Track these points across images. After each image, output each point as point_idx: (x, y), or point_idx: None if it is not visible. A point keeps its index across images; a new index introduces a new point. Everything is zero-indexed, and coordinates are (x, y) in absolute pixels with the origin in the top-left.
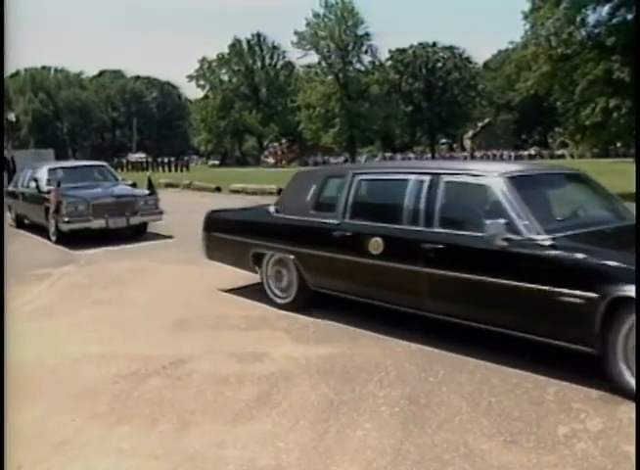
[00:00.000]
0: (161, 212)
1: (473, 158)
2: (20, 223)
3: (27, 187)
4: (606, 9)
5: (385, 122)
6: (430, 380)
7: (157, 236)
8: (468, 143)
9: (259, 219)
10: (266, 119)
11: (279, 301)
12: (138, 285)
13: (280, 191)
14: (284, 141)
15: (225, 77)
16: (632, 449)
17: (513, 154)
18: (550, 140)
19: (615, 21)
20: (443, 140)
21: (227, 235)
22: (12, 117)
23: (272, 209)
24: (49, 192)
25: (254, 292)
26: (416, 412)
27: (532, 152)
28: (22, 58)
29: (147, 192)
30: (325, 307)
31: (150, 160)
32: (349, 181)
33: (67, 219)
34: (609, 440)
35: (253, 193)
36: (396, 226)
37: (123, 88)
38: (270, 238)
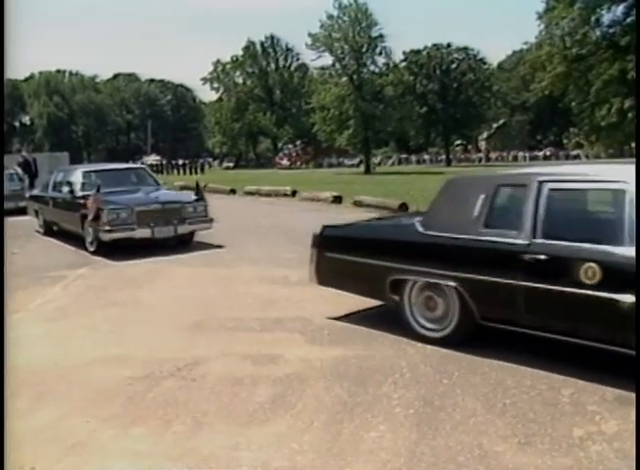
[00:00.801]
0: (211, 220)
1: (488, 159)
2: (48, 230)
3: (59, 191)
4: (620, 8)
5: (399, 124)
6: (444, 382)
7: (204, 245)
8: (483, 144)
9: (400, 237)
10: (280, 121)
11: (429, 334)
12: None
13: (295, 193)
14: (298, 143)
15: (239, 80)
16: None
17: (528, 154)
18: (565, 141)
19: (629, 20)
20: (458, 141)
21: (352, 256)
22: (26, 119)
23: (417, 224)
24: (84, 197)
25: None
26: (430, 414)
27: (548, 153)
28: (36, 61)
29: (194, 197)
30: (338, 307)
31: (164, 162)
32: (536, 191)
33: (108, 228)
34: (624, 442)
35: (268, 195)
36: (616, 250)
37: (138, 91)
38: (418, 260)
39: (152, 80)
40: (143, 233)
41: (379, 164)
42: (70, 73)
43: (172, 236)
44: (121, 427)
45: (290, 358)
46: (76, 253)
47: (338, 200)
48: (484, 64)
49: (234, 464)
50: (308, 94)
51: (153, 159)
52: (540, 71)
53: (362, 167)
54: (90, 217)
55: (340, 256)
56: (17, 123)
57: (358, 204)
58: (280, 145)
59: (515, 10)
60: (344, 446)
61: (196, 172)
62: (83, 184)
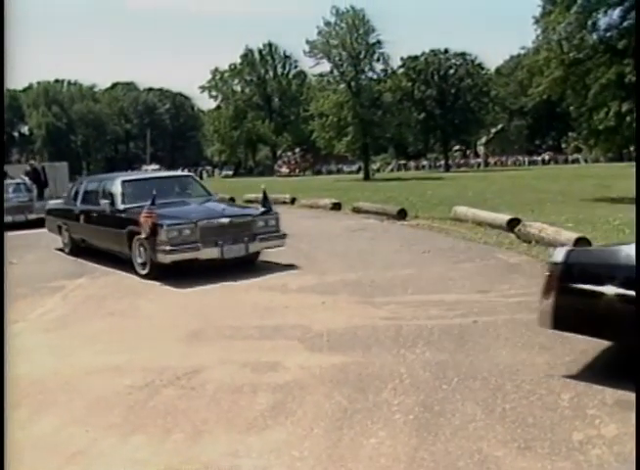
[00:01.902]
0: (284, 236)
1: (487, 164)
2: (74, 248)
3: (92, 204)
4: (617, 12)
5: (398, 130)
6: (443, 387)
7: (273, 265)
8: (481, 149)
9: None
10: (279, 129)
11: None
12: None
13: (294, 200)
14: (297, 150)
15: (237, 88)
16: None
17: (527, 159)
18: (564, 145)
19: (626, 24)
20: (457, 147)
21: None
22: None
23: None
24: (129, 211)
25: None
26: (430, 420)
27: (546, 157)
28: (34, 71)
29: (262, 209)
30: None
31: (164, 170)
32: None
33: (168, 248)
34: (624, 445)
35: None
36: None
37: (136, 100)
38: None
39: (150, 89)
40: (210, 253)
41: (378, 170)
42: (69, 83)
43: (244, 255)
44: (122, 436)
45: (290, 366)
46: (123, 278)
47: (337, 206)
48: (482, 69)
49: None
50: (307, 101)
51: (152, 167)
52: (538, 76)
53: (361, 174)
54: (143, 235)
55: (600, 293)
56: (15, 134)
57: (357, 210)
58: (279, 152)
59: (512, 15)
60: (344, 452)
61: None
62: (124, 195)
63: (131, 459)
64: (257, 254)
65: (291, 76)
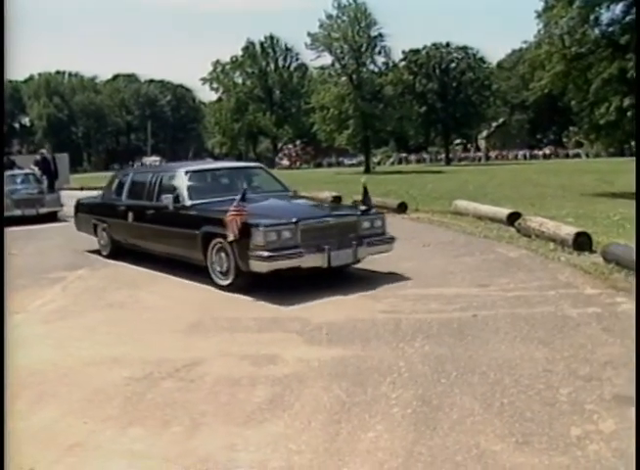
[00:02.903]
0: (393, 240)
1: (488, 158)
2: (115, 250)
3: (147, 199)
4: (619, 7)
5: (399, 123)
6: (442, 381)
7: (381, 276)
8: (482, 143)
9: None
10: (280, 121)
11: None
12: None
13: (294, 193)
14: (298, 143)
15: (239, 80)
16: None
17: (528, 153)
18: (565, 139)
19: (628, 18)
20: (458, 140)
21: None
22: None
23: None
24: (193, 207)
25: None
26: (428, 414)
27: (547, 151)
28: (36, 62)
29: (363, 208)
30: (334, 306)
31: (165, 162)
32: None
33: (266, 254)
34: (621, 441)
35: None
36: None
37: (137, 92)
38: None
39: (151, 81)
40: (314, 260)
41: (378, 163)
42: (70, 74)
43: (351, 262)
44: (120, 428)
45: (288, 359)
46: (199, 290)
47: (337, 199)
48: (484, 63)
49: (231, 465)
50: (308, 94)
51: (153, 159)
52: (539, 70)
53: (362, 167)
54: (230, 238)
55: None
56: (16, 125)
57: (358, 203)
58: (280, 145)
59: (514, 9)
60: (342, 446)
61: None
62: (191, 189)
63: (129, 451)
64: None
65: (292, 69)
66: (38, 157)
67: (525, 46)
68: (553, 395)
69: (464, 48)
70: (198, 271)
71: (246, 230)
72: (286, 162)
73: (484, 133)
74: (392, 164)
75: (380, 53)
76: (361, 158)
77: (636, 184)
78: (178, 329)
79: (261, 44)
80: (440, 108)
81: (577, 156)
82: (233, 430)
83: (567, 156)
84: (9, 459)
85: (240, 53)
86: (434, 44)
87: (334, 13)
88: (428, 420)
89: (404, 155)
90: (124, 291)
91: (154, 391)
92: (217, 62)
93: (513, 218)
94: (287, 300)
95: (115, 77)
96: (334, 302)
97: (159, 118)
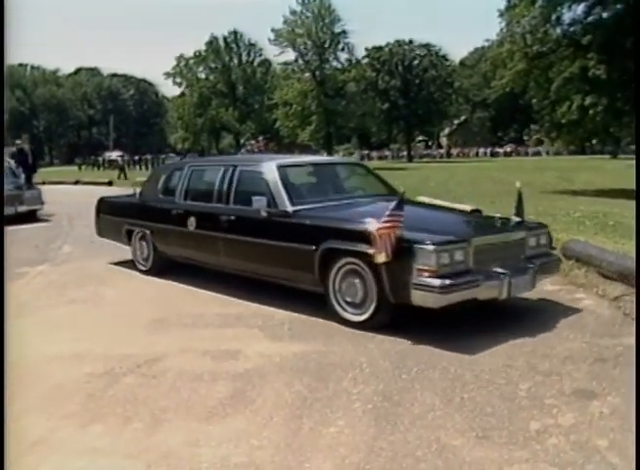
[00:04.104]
0: (560, 261)
1: (449, 155)
2: (159, 265)
3: (218, 202)
4: (581, 7)
5: (361, 120)
6: (403, 377)
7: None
8: (444, 140)
9: None
10: (243, 117)
11: None
12: None
13: None
14: (261, 138)
15: (202, 75)
16: (604, 443)
17: (489, 151)
18: (526, 137)
19: (590, 19)
20: (420, 138)
21: None
22: None
23: None
24: (298, 214)
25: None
26: (389, 409)
27: (508, 149)
28: None
29: (516, 219)
30: (300, 301)
31: (127, 158)
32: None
33: (438, 283)
34: (580, 434)
35: None
36: None
37: (100, 86)
38: None
39: (114, 75)
40: (491, 290)
41: None
42: (32, 67)
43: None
44: (81, 425)
45: (250, 354)
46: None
47: None
48: (446, 60)
49: (194, 461)
50: (271, 90)
51: (115, 154)
52: (501, 68)
53: None
54: (382, 259)
55: None
56: None
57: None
58: (242, 141)
59: (476, 7)
60: (304, 441)
61: None
62: (289, 190)
63: (90, 448)
64: None
65: (255, 64)
66: (14, 148)
67: (487, 44)
68: (513, 390)
69: (427, 45)
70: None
71: (404, 249)
72: None
73: (446, 131)
74: None
75: (343, 49)
76: (324, 154)
77: (636, 184)
78: None
79: (225, 39)
80: (403, 105)
81: (538, 154)
82: (195, 426)
83: (527, 154)
84: (9, 459)
85: (203, 47)
86: (396, 41)
87: (298, 9)
88: (389, 415)
89: (366, 152)
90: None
91: (115, 387)
92: (181, 56)
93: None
94: (461, 344)
95: (78, 71)
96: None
97: (121, 113)
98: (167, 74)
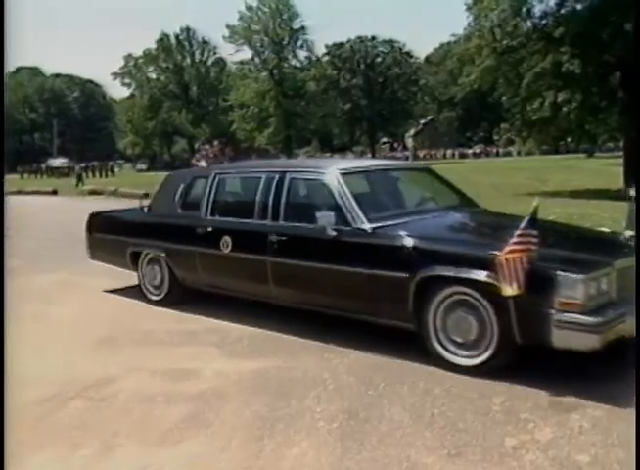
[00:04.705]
0: None
1: (416, 157)
2: (176, 295)
3: (261, 218)
4: None
5: (322, 121)
6: (369, 393)
7: None
8: (410, 142)
9: None
10: (197, 120)
11: None
12: None
13: None
14: (216, 143)
15: (153, 75)
16: (585, 459)
17: (457, 152)
18: (496, 137)
19: (563, 11)
20: (384, 139)
21: None
22: None
23: None
24: (378, 233)
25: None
26: (355, 427)
27: (477, 150)
28: None
29: (629, 234)
30: (260, 316)
31: (72, 165)
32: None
33: (591, 320)
34: (559, 450)
35: None
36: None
37: (42, 87)
38: None
39: (57, 75)
40: (632, 325)
41: None
42: None
43: None
44: (27, 452)
45: (206, 373)
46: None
47: None
48: (411, 57)
49: None
50: (226, 90)
51: (59, 161)
52: (469, 65)
53: None
54: (511, 290)
55: None
56: None
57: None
58: (196, 145)
59: (442, 1)
60: (265, 464)
61: (106, 175)
62: (362, 203)
63: None
64: None
65: (209, 64)
66: None
67: (453, 40)
68: (486, 404)
69: (390, 41)
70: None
71: (541, 277)
72: (203, 163)
73: (412, 131)
74: None
75: (302, 47)
76: (283, 159)
77: (636, 184)
78: None
79: (177, 37)
80: (366, 105)
81: (509, 154)
82: (147, 451)
83: (497, 154)
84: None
85: (154, 46)
86: (358, 37)
87: (254, 4)
88: (355, 434)
89: (328, 155)
90: None
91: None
92: (129, 55)
93: None
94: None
95: (18, 70)
96: None
97: (65, 116)
98: (115, 75)
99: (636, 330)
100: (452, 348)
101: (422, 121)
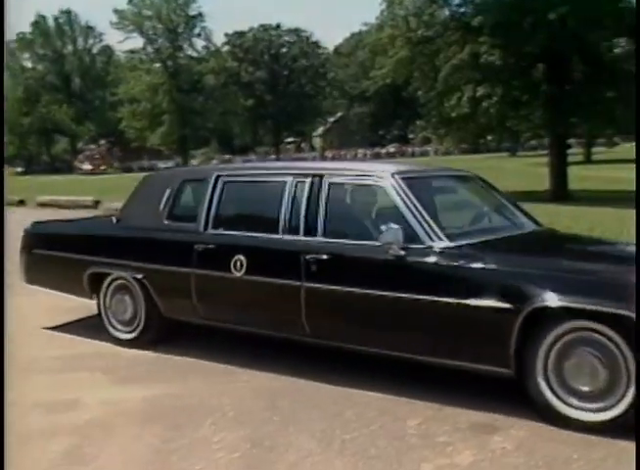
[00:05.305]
0: None
1: (324, 158)
2: (158, 331)
3: (290, 232)
4: None
5: (222, 119)
6: (274, 419)
7: None
8: (318, 141)
9: None
10: (81, 116)
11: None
12: None
13: (98, 203)
14: (103, 142)
15: (28, 63)
16: None
17: (369, 152)
18: (411, 135)
19: None
20: (290, 139)
21: None
22: None
23: None
24: (464, 253)
25: None
26: (259, 457)
27: (392, 149)
28: None
29: None
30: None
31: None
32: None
33: None
34: None
35: (66, 207)
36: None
37: None
38: None
39: None
40: None
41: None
42: None
43: None
44: None
45: (91, 403)
46: None
47: None
48: (319, 48)
49: None
50: (115, 83)
51: None
52: (381, 56)
53: None
54: None
55: None
56: None
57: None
58: (80, 145)
59: None
60: None
61: None
62: (431, 213)
63: None
64: None
65: (95, 52)
66: None
67: (365, 29)
68: (401, 427)
69: (296, 30)
70: None
71: None
72: (87, 165)
73: (320, 130)
74: None
75: (199, 35)
76: (178, 160)
77: (636, 184)
78: None
79: (56, 20)
80: (270, 100)
81: (426, 154)
82: None
83: (413, 154)
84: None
85: (28, 29)
86: (261, 26)
87: None
88: (259, 464)
89: (229, 156)
90: None
91: None
92: None
93: None
94: (344, 379)
95: None
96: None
97: None
98: None
99: (635, 330)
100: (571, 399)
101: (331, 119)
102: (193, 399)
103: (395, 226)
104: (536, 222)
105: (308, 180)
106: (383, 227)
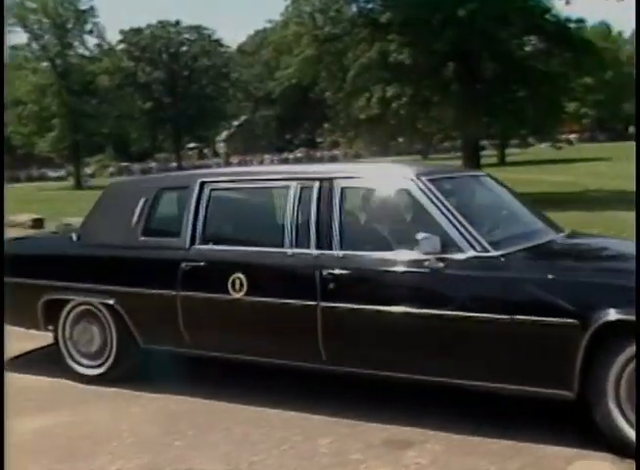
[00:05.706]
0: None
1: (229, 164)
2: (128, 367)
3: (302, 245)
4: None
5: (117, 123)
6: (176, 444)
7: None
8: (222, 147)
9: None
10: None
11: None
12: None
13: None
14: None
15: None
16: None
17: (276, 158)
18: (320, 139)
19: None
20: (192, 144)
21: None
22: None
23: None
24: (527, 259)
25: None
26: None
27: (299, 154)
28: None
29: None
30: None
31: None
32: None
33: None
34: None
35: None
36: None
37: None
38: None
39: None
40: None
41: (93, 175)
42: None
43: None
44: None
45: None
46: None
47: (39, 223)
48: (221, 46)
49: None
50: None
51: None
52: (287, 55)
53: (72, 180)
54: None
55: None
56: None
57: (67, 227)
58: None
59: None
60: None
61: None
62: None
63: None
64: None
65: None
66: None
67: (270, 26)
68: (311, 447)
69: (197, 28)
70: None
71: None
72: None
73: (224, 134)
74: (112, 175)
75: (91, 32)
76: (70, 169)
77: (636, 184)
78: None
79: None
80: (169, 103)
81: (335, 158)
82: None
83: (322, 159)
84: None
85: None
86: (159, 22)
87: None
88: None
89: (126, 164)
90: None
91: None
92: None
93: None
94: (254, 398)
95: None
96: None
97: None
98: None
99: (636, 333)
100: None
101: (235, 123)
102: (88, 427)
103: (432, 235)
104: (556, 225)
105: (315, 186)
106: (418, 236)
